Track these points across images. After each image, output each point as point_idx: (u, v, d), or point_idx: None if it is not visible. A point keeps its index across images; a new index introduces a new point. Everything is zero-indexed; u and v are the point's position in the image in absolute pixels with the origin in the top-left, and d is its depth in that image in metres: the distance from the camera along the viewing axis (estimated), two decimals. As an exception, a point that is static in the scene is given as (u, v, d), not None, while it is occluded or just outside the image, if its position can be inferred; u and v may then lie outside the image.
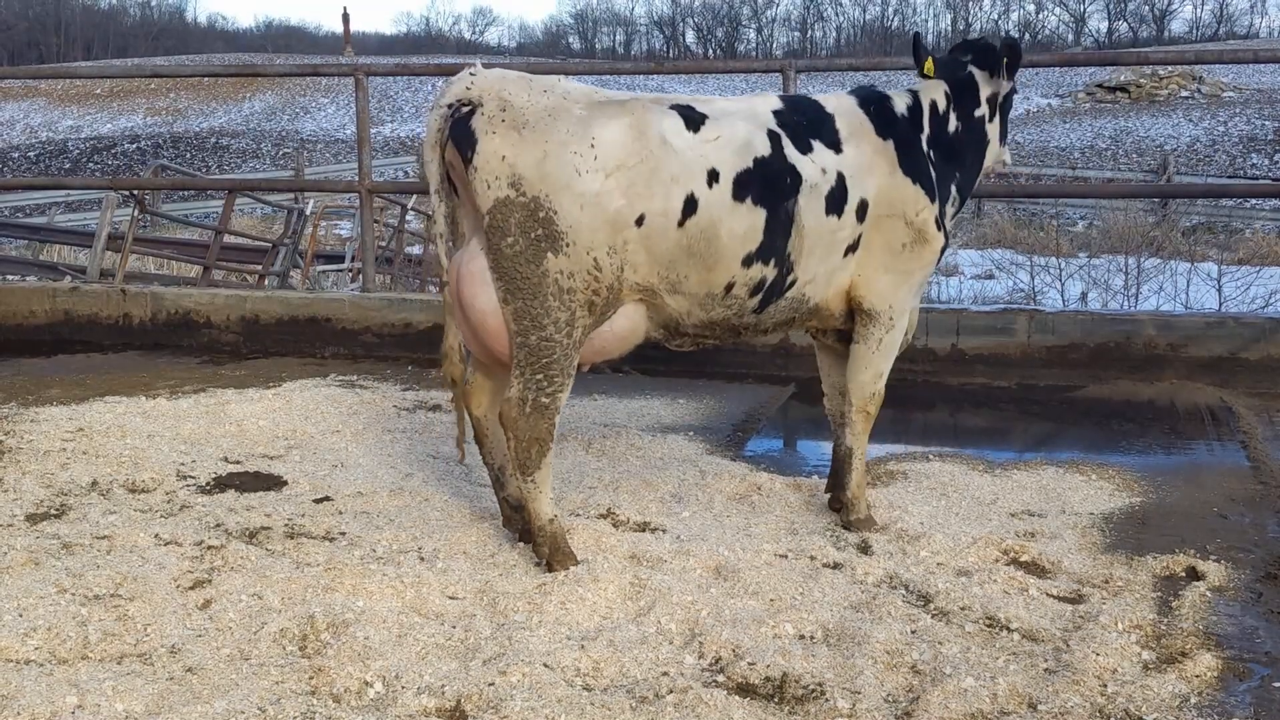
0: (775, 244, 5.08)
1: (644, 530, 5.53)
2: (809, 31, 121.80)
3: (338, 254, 19.43)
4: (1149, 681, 4.03)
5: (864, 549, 5.31)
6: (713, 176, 4.93)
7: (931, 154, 5.47)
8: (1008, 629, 4.47)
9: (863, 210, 5.27)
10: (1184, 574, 5.03)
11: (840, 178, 5.21)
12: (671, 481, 6.15)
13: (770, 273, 5.11)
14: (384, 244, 17.59)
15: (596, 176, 4.78)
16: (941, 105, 5.59)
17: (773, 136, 5.13)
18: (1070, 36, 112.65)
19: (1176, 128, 45.62)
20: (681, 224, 4.88)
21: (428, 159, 4.97)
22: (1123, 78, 53.88)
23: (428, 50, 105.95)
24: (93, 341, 10.04)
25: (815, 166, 5.16)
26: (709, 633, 4.34)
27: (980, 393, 8.35)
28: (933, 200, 5.38)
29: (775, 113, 5.23)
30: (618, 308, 5.03)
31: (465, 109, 4.84)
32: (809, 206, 5.12)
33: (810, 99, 5.42)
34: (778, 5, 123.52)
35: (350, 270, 17.52)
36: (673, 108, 5.02)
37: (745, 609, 4.60)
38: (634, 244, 4.86)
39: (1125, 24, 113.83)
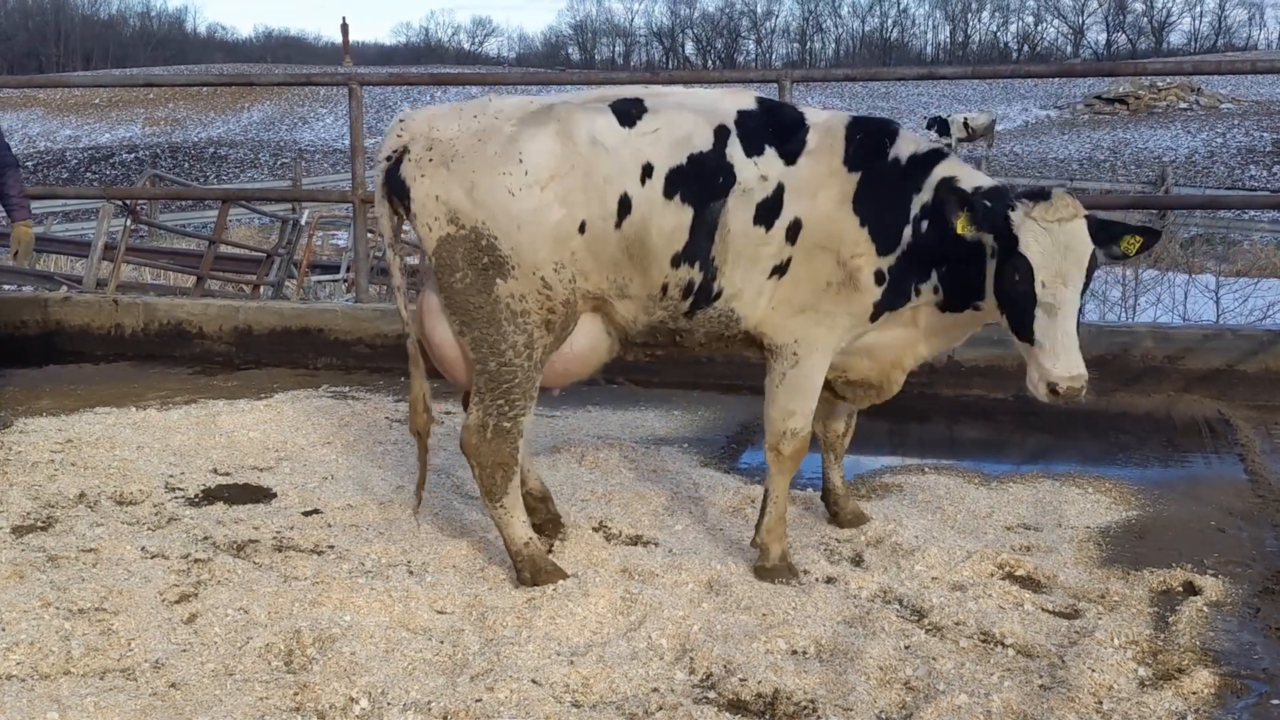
0: (700, 245, 4.85)
1: (636, 543, 5.48)
2: (808, 43, 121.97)
3: (334, 264, 19.41)
4: (1145, 698, 3.99)
5: (858, 563, 5.26)
6: (646, 172, 4.81)
7: (925, 225, 4.87)
8: (1003, 644, 4.43)
9: (794, 231, 4.87)
10: (1181, 589, 4.98)
11: (779, 190, 4.86)
12: (664, 494, 6.09)
13: (697, 275, 4.88)
14: (379, 255, 17.55)
15: (531, 192, 4.75)
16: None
17: (720, 133, 4.88)
18: (1069, 48, 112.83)
19: (1175, 139, 45.68)
20: (619, 225, 4.81)
21: (379, 214, 5.06)
22: (1121, 89, 53.97)
23: (427, 60, 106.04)
24: (85, 352, 9.97)
25: (755, 171, 4.86)
26: (700, 648, 4.30)
27: (976, 405, 8.30)
28: (880, 253, 4.85)
29: (742, 111, 4.95)
30: (576, 323, 4.99)
31: (397, 157, 4.92)
32: (737, 210, 4.84)
33: (798, 109, 5.12)
34: (777, 16, 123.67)
35: (346, 280, 17.50)
36: (617, 102, 4.92)
37: (737, 624, 4.56)
38: (581, 252, 4.82)
39: (1124, 36, 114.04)
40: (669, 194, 4.80)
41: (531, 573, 4.95)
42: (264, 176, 46.16)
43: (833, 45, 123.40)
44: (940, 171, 4.89)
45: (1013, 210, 4.57)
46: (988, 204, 4.64)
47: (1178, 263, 16.34)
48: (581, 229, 4.79)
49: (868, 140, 4.95)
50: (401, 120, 5.00)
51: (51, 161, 49.84)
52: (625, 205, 4.79)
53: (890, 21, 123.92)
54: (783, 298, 4.94)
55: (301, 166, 39.52)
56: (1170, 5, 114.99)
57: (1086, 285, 4.62)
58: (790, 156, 4.90)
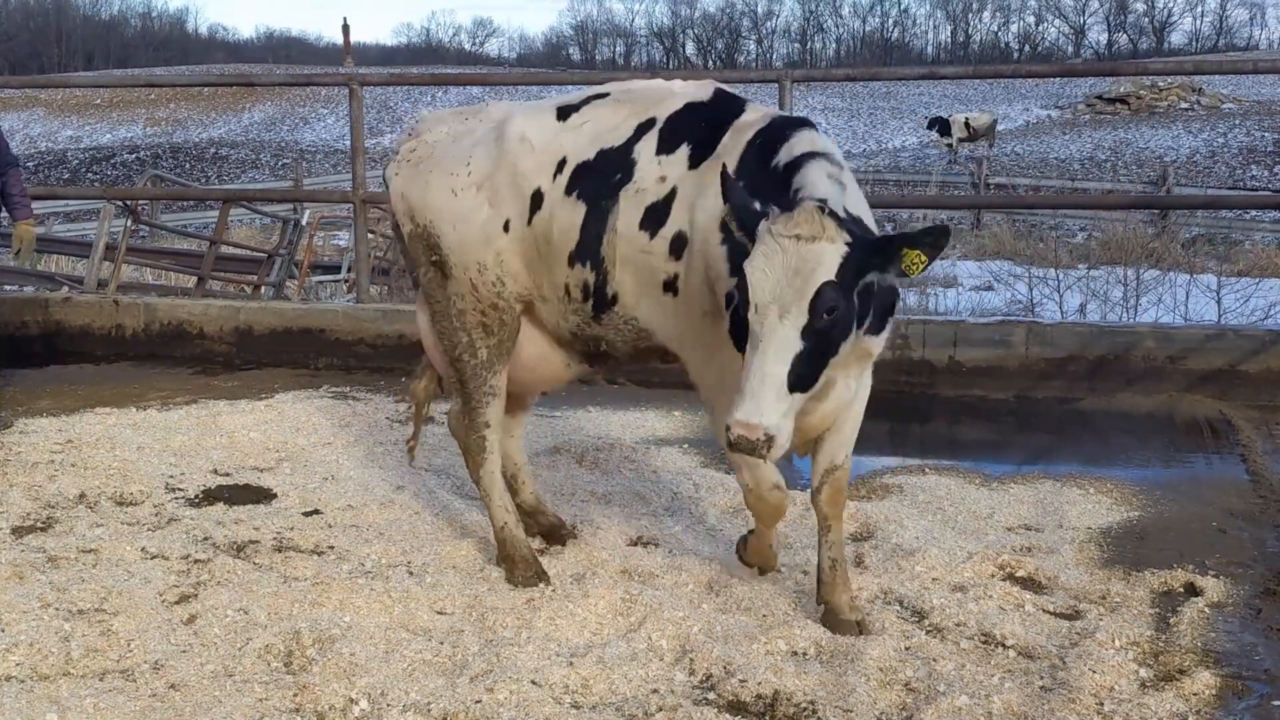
0: (590, 245, 4.59)
1: (636, 544, 5.47)
2: (809, 43, 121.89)
3: (335, 265, 19.40)
4: (1146, 700, 3.99)
5: (858, 564, 5.25)
6: (559, 167, 4.71)
7: None
8: (1003, 646, 4.42)
9: (679, 245, 4.41)
10: (1182, 589, 4.97)
11: (672, 194, 4.45)
12: (665, 495, 6.09)
13: (589, 276, 4.62)
14: (380, 254, 17.56)
15: (468, 193, 4.85)
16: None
17: (642, 128, 4.59)
18: (1070, 48, 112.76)
19: (1176, 139, 45.61)
20: (530, 222, 4.76)
21: (389, 204, 5.29)
22: (1122, 89, 53.89)
23: (428, 61, 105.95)
24: (85, 352, 9.95)
25: (655, 171, 4.50)
26: (700, 649, 4.29)
27: (978, 405, 8.28)
28: (732, 273, 4.17)
29: (690, 103, 4.60)
30: (517, 329, 5.00)
31: (395, 155, 5.16)
32: (626, 211, 4.51)
33: (742, 106, 4.55)
34: (777, 17, 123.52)
35: (346, 281, 17.49)
36: (575, 99, 4.87)
37: (737, 625, 4.55)
38: (507, 253, 4.84)
39: (1125, 36, 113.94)
40: (569, 190, 4.68)
41: (502, 555, 5.09)
42: (265, 177, 46.14)
43: (833, 45, 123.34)
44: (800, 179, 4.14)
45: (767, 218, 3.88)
46: (758, 207, 3.94)
47: (1179, 263, 16.30)
48: (506, 228, 4.81)
49: (765, 143, 4.33)
50: (417, 120, 5.19)
51: (53, 162, 49.83)
52: (537, 201, 4.75)
53: (891, 21, 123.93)
54: (681, 320, 4.52)
55: (303, 167, 39.54)
56: (1171, 5, 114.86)
57: (822, 327, 3.77)
58: (697, 159, 4.45)
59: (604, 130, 4.69)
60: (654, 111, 4.63)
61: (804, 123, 4.38)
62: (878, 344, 4.32)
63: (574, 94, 5.00)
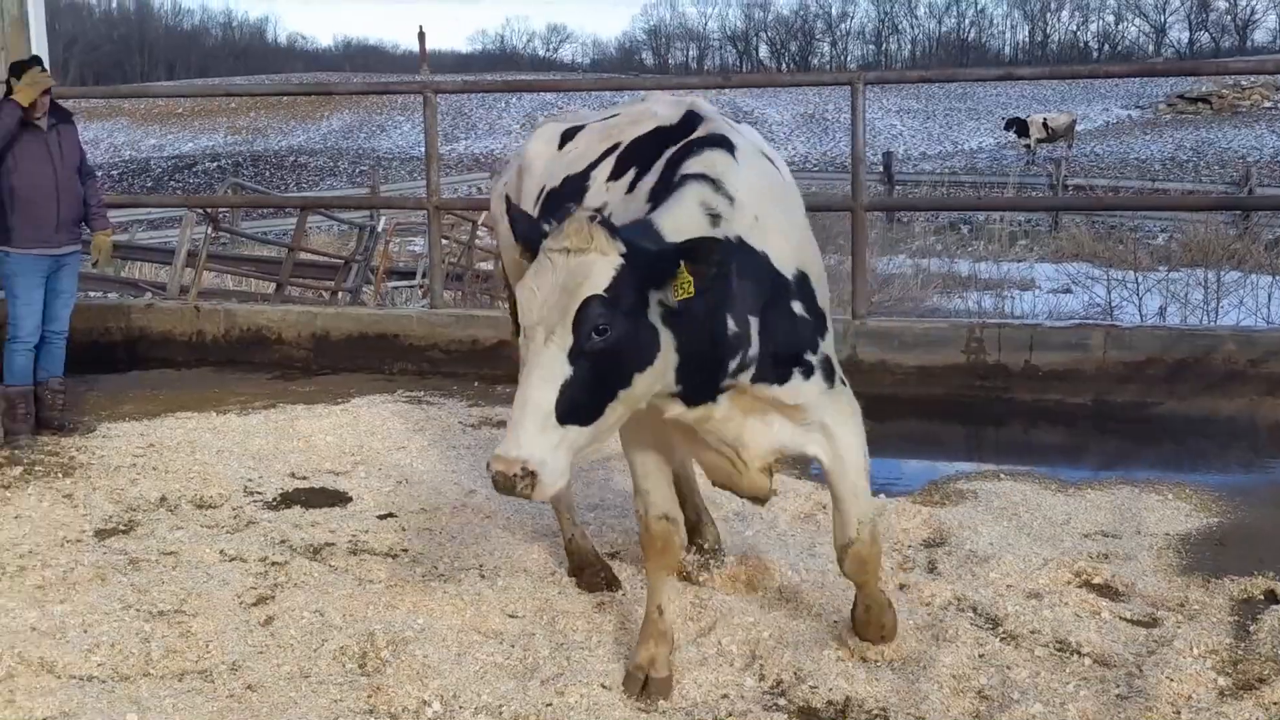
0: None
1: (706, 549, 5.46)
2: (884, 45, 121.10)
3: (410, 270, 19.58)
4: (1225, 709, 3.93)
5: (931, 570, 5.21)
6: (539, 196, 4.59)
7: None
8: (1079, 653, 4.37)
9: None
10: (1262, 597, 4.88)
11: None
12: (734, 500, 6.06)
13: None
14: (454, 260, 17.70)
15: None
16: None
17: (605, 154, 4.36)
18: (1150, 47, 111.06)
19: (1259, 139, 44.83)
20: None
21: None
22: (1204, 89, 53.10)
23: (503, 68, 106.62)
24: (167, 358, 10.10)
25: (602, 198, 4.15)
26: (770, 655, 4.29)
27: (1054, 410, 8.18)
28: None
29: (658, 127, 4.27)
30: None
31: None
32: None
33: (694, 122, 4.14)
34: (851, 18, 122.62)
35: (421, 286, 17.63)
36: (591, 121, 4.72)
37: (808, 631, 4.54)
38: None
39: (1207, 34, 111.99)
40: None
41: (574, 569, 5.14)
42: (343, 184, 46.65)
43: (909, 46, 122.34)
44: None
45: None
46: (539, 224, 3.64)
47: (1262, 264, 16.00)
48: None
49: (674, 161, 3.96)
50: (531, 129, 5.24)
51: (136, 170, 50.75)
52: None
53: (968, 22, 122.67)
54: None
55: (379, 174, 39.94)
56: (1254, 3, 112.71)
57: (593, 349, 3.38)
58: (635, 181, 4.14)
59: (578, 156, 4.51)
60: (623, 135, 4.39)
61: (721, 142, 3.94)
62: (792, 395, 3.92)
63: (596, 114, 4.88)
